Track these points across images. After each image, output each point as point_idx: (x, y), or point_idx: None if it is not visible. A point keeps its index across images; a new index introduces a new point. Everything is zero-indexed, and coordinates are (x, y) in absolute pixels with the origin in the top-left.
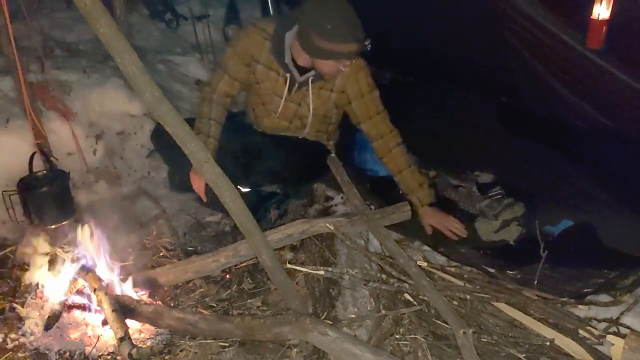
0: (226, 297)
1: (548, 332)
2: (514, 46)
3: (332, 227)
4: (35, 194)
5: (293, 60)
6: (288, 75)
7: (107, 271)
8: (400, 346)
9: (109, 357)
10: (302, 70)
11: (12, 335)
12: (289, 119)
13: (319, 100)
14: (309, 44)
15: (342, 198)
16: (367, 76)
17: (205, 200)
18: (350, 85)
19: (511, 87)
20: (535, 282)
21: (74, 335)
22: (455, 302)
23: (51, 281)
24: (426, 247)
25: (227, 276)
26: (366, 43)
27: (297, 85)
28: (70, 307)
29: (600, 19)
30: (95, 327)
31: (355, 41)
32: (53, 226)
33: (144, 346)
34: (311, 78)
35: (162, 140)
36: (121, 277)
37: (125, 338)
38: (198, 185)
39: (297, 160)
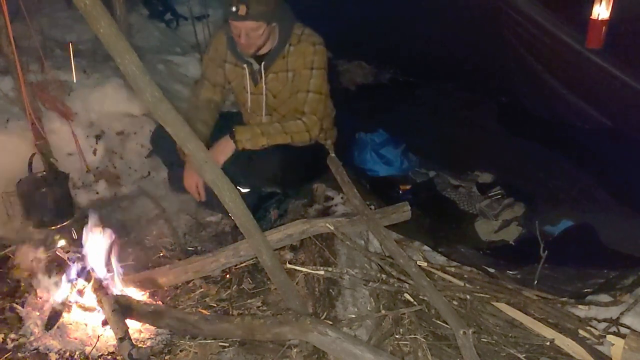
0: (226, 297)
1: (548, 332)
2: (514, 46)
3: (332, 227)
4: (35, 195)
5: None
6: (246, 65)
7: (107, 271)
8: (400, 346)
9: (109, 357)
10: (260, 59)
11: (12, 335)
12: (264, 111)
13: (279, 83)
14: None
15: (342, 198)
16: (315, 53)
17: (199, 199)
18: (297, 59)
19: (511, 87)
20: (535, 282)
21: (74, 335)
22: (455, 302)
23: (52, 282)
24: (426, 247)
25: (227, 276)
26: (238, 5)
27: (259, 76)
28: (71, 307)
29: (600, 19)
30: (95, 327)
31: (234, 3)
32: (53, 227)
33: (144, 346)
34: (263, 62)
35: (161, 142)
36: (121, 277)
37: (125, 338)
38: (190, 183)
39: (295, 163)
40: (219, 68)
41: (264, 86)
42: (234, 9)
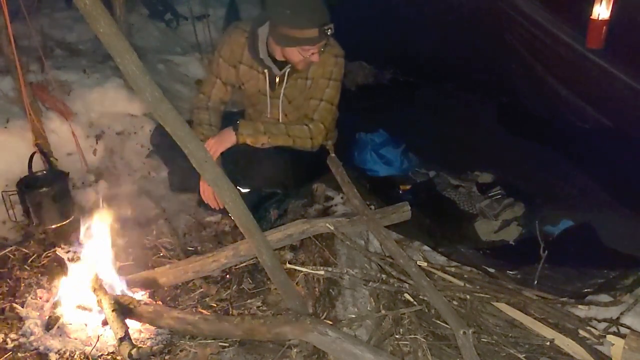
0: (226, 297)
1: (548, 332)
2: (514, 46)
3: (332, 227)
4: (35, 194)
5: (271, 55)
6: (266, 70)
7: (107, 271)
8: (400, 346)
9: (109, 357)
10: (282, 65)
11: (12, 335)
12: (280, 116)
13: (296, 90)
14: (275, 33)
15: (342, 198)
16: (335, 65)
17: (220, 207)
18: (317, 68)
19: (511, 87)
20: (535, 282)
21: (74, 335)
22: (455, 302)
23: (52, 282)
24: (426, 247)
25: (227, 276)
26: (326, 28)
27: (277, 80)
28: (71, 307)
29: (600, 19)
30: (95, 327)
31: (313, 26)
32: (53, 226)
33: (144, 346)
34: (287, 70)
35: (161, 141)
36: (121, 277)
37: (125, 338)
38: (208, 195)
39: (296, 164)
40: (232, 68)
41: (282, 92)
42: (328, 30)
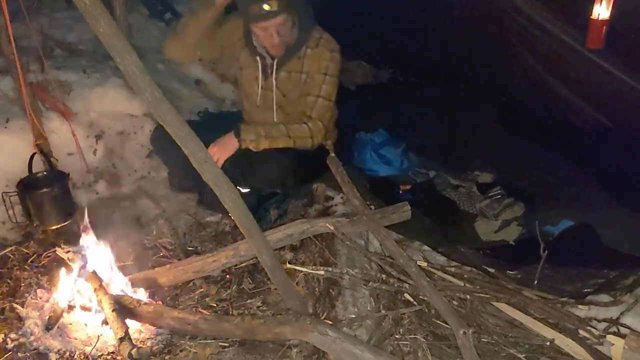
0: (226, 297)
1: (548, 332)
2: (514, 46)
3: (332, 227)
4: (35, 194)
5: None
6: (258, 57)
7: (108, 271)
8: (400, 346)
9: (109, 357)
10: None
11: (12, 335)
12: (271, 108)
13: (290, 83)
14: (244, 17)
15: (342, 198)
16: (330, 60)
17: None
18: (312, 63)
19: (511, 87)
20: (535, 282)
21: (74, 335)
22: (455, 302)
23: (52, 282)
24: (426, 247)
25: (227, 276)
26: (269, 2)
27: (269, 70)
28: (71, 307)
29: (600, 19)
30: (95, 327)
31: (258, 1)
32: (53, 227)
33: (144, 346)
34: (277, 59)
35: (161, 142)
36: (121, 277)
37: (125, 338)
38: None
39: (295, 164)
40: (238, 42)
41: (274, 83)
42: (265, 7)
